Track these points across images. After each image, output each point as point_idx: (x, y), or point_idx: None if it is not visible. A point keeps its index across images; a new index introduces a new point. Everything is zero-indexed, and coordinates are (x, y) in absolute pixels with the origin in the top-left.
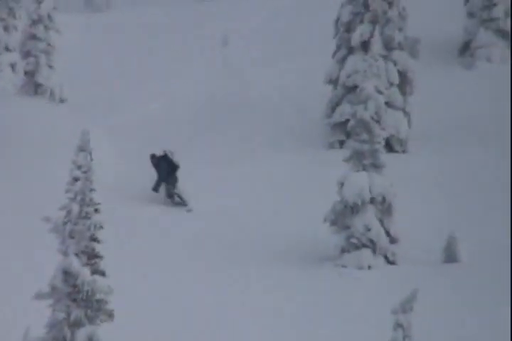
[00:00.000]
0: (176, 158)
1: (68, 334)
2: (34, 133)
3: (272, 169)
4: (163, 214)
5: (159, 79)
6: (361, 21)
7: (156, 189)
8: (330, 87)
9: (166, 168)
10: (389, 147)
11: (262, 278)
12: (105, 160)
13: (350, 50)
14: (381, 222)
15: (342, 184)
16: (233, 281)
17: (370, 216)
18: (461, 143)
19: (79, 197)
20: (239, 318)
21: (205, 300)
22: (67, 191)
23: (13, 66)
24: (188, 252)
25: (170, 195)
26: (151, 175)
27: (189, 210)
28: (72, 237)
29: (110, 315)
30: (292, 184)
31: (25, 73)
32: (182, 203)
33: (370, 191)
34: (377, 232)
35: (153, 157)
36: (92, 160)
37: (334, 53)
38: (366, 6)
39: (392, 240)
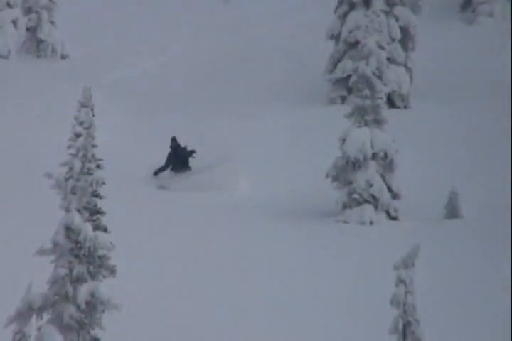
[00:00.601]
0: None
1: (70, 290)
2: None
3: (273, 124)
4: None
5: (160, 34)
6: None
7: (155, 172)
8: (331, 43)
9: (175, 160)
10: (391, 103)
11: (263, 232)
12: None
13: (352, 6)
14: (383, 177)
15: (344, 140)
16: (233, 235)
17: (371, 171)
18: (463, 98)
19: (81, 153)
20: (238, 271)
21: (208, 255)
22: (68, 147)
23: (14, 22)
24: (193, 211)
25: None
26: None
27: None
28: (74, 193)
29: (112, 271)
30: (293, 139)
31: (27, 29)
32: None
33: (372, 146)
34: (379, 188)
35: (174, 140)
36: (93, 116)
37: (336, 9)
38: None
39: (394, 196)
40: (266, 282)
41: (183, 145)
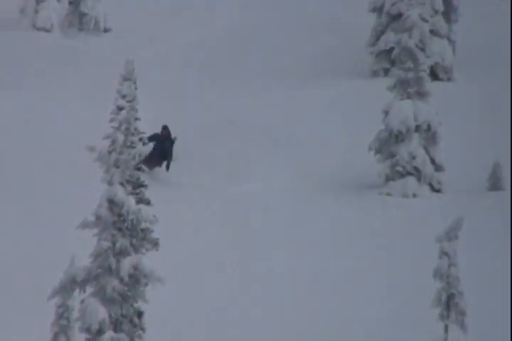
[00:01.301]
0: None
1: (113, 263)
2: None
3: (315, 96)
4: None
5: (201, 7)
6: None
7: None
8: (374, 15)
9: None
10: (434, 75)
11: (306, 205)
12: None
13: None
14: (426, 150)
15: (386, 112)
16: (276, 208)
17: (415, 144)
18: (507, 70)
19: (123, 127)
20: (277, 247)
21: (257, 228)
22: (111, 120)
23: None
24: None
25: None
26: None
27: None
28: (117, 166)
29: (155, 244)
30: (335, 112)
31: (70, 3)
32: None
33: (415, 119)
34: (423, 160)
35: (165, 128)
36: (136, 89)
37: None
38: None
39: (438, 168)
40: (309, 253)
41: (172, 136)
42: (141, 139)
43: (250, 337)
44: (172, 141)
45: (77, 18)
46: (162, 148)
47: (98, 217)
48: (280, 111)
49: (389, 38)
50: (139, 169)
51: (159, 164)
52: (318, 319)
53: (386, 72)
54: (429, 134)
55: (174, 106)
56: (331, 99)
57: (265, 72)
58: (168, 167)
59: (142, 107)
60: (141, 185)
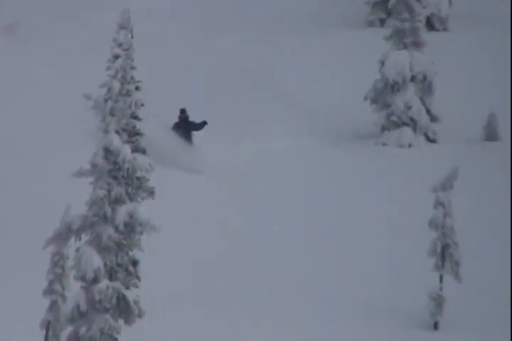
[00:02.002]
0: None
1: (109, 211)
2: None
3: (311, 47)
4: None
5: None
6: None
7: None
8: None
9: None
10: (430, 25)
11: (300, 153)
12: None
13: None
14: (422, 100)
15: (382, 62)
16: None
17: (410, 94)
18: (503, 19)
19: (120, 75)
20: (278, 187)
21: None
22: (107, 68)
23: None
24: None
25: None
26: None
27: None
28: (112, 115)
29: (151, 193)
30: (331, 62)
31: None
32: None
33: (411, 69)
34: (418, 110)
35: (183, 112)
36: (132, 37)
37: None
38: None
39: (433, 118)
40: (304, 200)
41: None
42: (137, 88)
43: (240, 289)
44: (188, 125)
45: None
46: (186, 129)
47: (94, 165)
48: (274, 60)
49: None
50: (134, 117)
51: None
52: (314, 270)
53: (382, 22)
54: (424, 84)
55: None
56: (327, 50)
57: (256, 23)
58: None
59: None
60: (137, 134)
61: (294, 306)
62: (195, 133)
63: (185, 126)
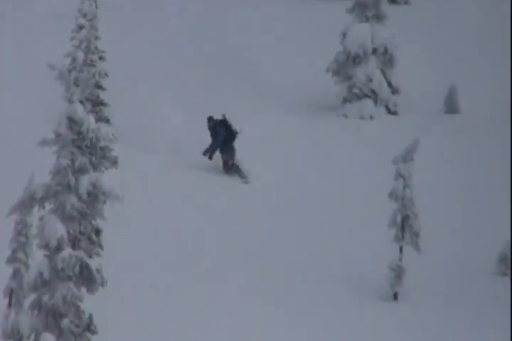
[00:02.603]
0: (234, 125)
1: (73, 181)
2: None
3: (271, 17)
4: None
5: None
6: None
7: (210, 156)
8: None
9: (223, 133)
10: None
11: (262, 121)
12: None
13: None
14: (383, 72)
15: (344, 35)
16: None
17: (372, 67)
18: None
19: (84, 45)
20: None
21: None
22: (71, 39)
23: None
24: None
25: (228, 167)
26: None
27: (246, 182)
28: (77, 85)
29: (114, 162)
30: (292, 33)
31: None
32: (240, 175)
33: (372, 42)
34: (379, 83)
35: (210, 120)
36: (97, 8)
37: None
38: None
39: (394, 91)
40: (267, 171)
41: (219, 118)
42: (101, 58)
43: (205, 255)
44: (215, 133)
45: None
46: (216, 134)
47: (57, 135)
48: (239, 38)
49: None
50: (99, 87)
51: (233, 150)
52: (278, 237)
53: None
54: (385, 57)
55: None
56: (288, 20)
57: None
58: (210, 157)
59: None
60: (101, 103)
61: (255, 272)
62: None
63: (230, 131)
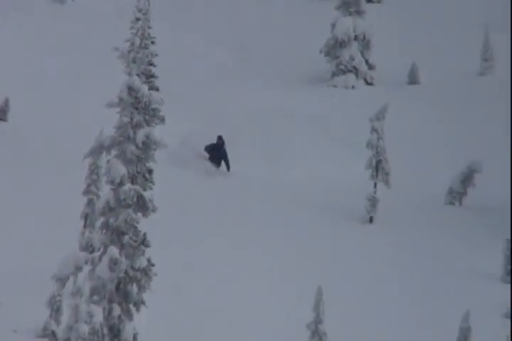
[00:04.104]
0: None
1: (131, 133)
2: None
3: (267, 12)
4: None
5: None
6: None
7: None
8: None
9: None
10: None
11: (269, 93)
12: None
13: None
14: (362, 53)
15: (333, 25)
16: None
17: (354, 49)
18: None
19: (140, 33)
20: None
21: None
22: (131, 28)
23: None
24: None
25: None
26: None
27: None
28: (134, 62)
29: (162, 120)
30: (291, 24)
31: None
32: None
33: (354, 30)
34: (359, 61)
35: (220, 138)
36: (149, 4)
37: None
38: None
39: (370, 67)
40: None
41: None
42: (152, 42)
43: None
44: (221, 152)
45: None
46: (219, 154)
47: (120, 99)
48: (250, 32)
49: None
50: (151, 64)
51: (219, 164)
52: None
53: None
54: (364, 42)
55: None
56: (288, 15)
57: None
58: (228, 168)
59: None
60: (152, 76)
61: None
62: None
63: (219, 151)
